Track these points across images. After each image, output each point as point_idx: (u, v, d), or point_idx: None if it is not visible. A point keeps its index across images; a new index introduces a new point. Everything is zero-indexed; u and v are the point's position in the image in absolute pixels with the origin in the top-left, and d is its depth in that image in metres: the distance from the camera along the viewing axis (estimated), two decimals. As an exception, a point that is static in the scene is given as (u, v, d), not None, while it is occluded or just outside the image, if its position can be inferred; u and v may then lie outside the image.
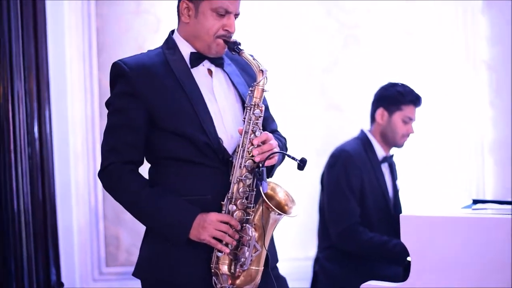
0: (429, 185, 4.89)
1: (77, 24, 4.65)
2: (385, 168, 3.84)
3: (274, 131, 2.69)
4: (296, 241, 4.78)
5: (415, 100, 3.80)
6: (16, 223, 3.71)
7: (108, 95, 4.54)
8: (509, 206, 2.81)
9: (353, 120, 4.78)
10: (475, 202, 3.01)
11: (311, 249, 4.64)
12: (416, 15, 4.86)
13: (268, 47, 4.76)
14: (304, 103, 4.86)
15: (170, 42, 2.59)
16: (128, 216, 4.65)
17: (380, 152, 3.82)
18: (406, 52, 4.89)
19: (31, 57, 4.04)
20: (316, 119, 4.88)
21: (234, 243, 2.39)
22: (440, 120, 4.89)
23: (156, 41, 4.61)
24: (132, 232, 4.71)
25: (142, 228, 4.64)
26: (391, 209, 3.78)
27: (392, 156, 3.87)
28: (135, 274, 2.58)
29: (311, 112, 4.88)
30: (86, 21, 4.68)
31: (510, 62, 4.75)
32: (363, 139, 3.84)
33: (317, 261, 3.87)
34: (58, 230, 4.29)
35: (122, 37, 4.71)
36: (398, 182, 3.89)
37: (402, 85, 3.84)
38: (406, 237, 2.62)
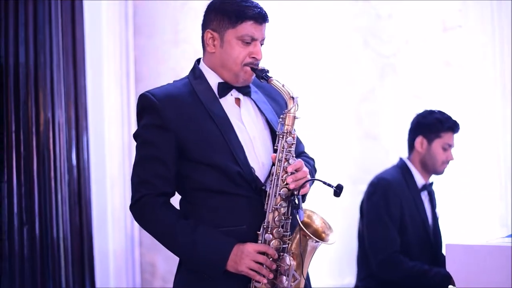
0: (466, 213, 4.85)
1: (115, 54, 4.72)
2: (424, 196, 3.83)
3: (302, 153, 2.66)
4: (331, 269, 4.76)
5: (454, 126, 3.82)
6: (56, 250, 3.77)
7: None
8: None
9: (388, 149, 4.77)
10: None
11: (346, 277, 4.63)
12: (454, 45, 4.85)
13: (306, 76, 4.78)
14: (341, 132, 4.87)
15: (196, 72, 2.57)
16: (164, 243, 4.71)
17: (419, 180, 3.82)
18: (443, 82, 4.87)
19: (70, 86, 4.12)
20: (352, 148, 4.88)
21: (271, 275, 2.36)
22: (477, 148, 4.85)
23: (193, 71, 4.69)
24: (168, 259, 4.72)
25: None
26: (431, 238, 3.77)
27: (431, 184, 3.87)
28: None
29: (347, 140, 4.88)
30: (124, 50, 4.75)
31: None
32: (402, 167, 3.84)
33: (357, 290, 3.87)
34: (94, 257, 4.33)
35: (159, 67, 4.78)
36: (437, 210, 3.88)
37: (440, 112, 3.86)
38: (451, 265, 2.63)
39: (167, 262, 4.75)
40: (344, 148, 4.87)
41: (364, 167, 4.71)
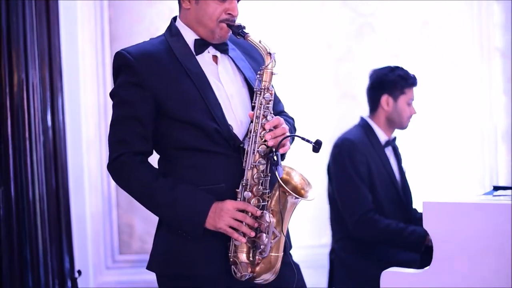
0: (441, 172, 4.90)
1: (89, 13, 4.68)
2: (389, 152, 3.84)
3: (281, 112, 2.64)
4: (308, 229, 4.79)
5: (415, 81, 3.83)
6: (32, 211, 3.73)
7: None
8: None
9: (367, 109, 4.77)
10: (496, 188, 3.00)
11: (324, 237, 4.66)
12: (431, 4, 4.85)
13: (281, 36, 4.76)
14: (318, 92, 4.86)
15: (173, 29, 2.53)
16: (141, 204, 4.70)
17: (382, 136, 3.83)
18: (420, 40, 4.89)
19: (44, 46, 4.05)
20: (330, 108, 4.88)
21: (253, 233, 2.35)
22: (454, 107, 4.89)
23: (168, 30, 4.65)
24: (145, 220, 4.72)
25: (155, 215, 4.70)
26: (400, 193, 3.79)
27: (394, 139, 3.88)
28: (150, 267, 2.53)
29: (325, 101, 4.88)
30: (98, 10, 4.70)
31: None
32: (364, 126, 3.85)
33: (333, 251, 3.87)
34: (71, 219, 4.31)
35: (134, 27, 4.73)
36: (403, 165, 3.90)
37: (399, 68, 3.86)
38: (429, 223, 2.60)
39: (144, 223, 4.74)
40: (322, 109, 4.86)
41: (342, 127, 4.71)
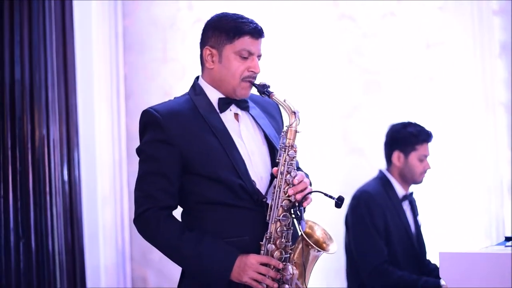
0: (449, 222, 4.97)
1: (105, 71, 4.82)
2: (406, 205, 3.94)
3: (297, 168, 2.69)
4: (319, 279, 4.84)
5: (427, 137, 3.93)
6: (51, 264, 3.82)
7: (135, 140, 4.70)
8: None
9: (375, 163, 4.87)
10: (508, 239, 3.07)
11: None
12: (437, 61, 4.98)
13: (289, 93, 4.86)
14: (326, 148, 4.97)
15: (197, 89, 2.64)
16: (155, 256, 4.77)
17: (400, 190, 3.93)
18: (427, 96, 5.00)
19: (62, 104, 4.19)
20: (338, 163, 4.98)
21: (275, 285, 2.43)
22: (461, 161, 4.97)
23: (182, 88, 4.73)
24: (159, 273, 4.79)
25: (168, 268, 4.78)
26: (415, 245, 3.87)
27: (411, 193, 3.98)
28: None
29: (333, 156, 4.98)
30: (114, 68, 4.84)
31: (527, 105, 4.88)
32: (382, 179, 3.95)
33: (349, 301, 3.95)
34: (85, 271, 4.38)
35: (149, 84, 4.87)
36: (419, 218, 3.99)
37: (413, 124, 3.97)
38: (445, 272, 2.67)
39: (158, 276, 4.81)
40: (330, 164, 4.97)
41: (350, 182, 4.81)
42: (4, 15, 3.71)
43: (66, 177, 4.18)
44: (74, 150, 4.31)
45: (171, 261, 4.63)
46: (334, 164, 4.98)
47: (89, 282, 4.44)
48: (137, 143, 4.64)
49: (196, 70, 4.62)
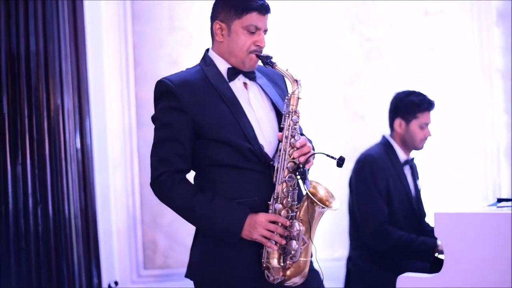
0: (448, 186, 5.15)
1: (114, 40, 4.94)
2: (407, 170, 4.10)
3: (301, 134, 2.83)
4: (323, 243, 5.02)
5: (429, 106, 4.05)
6: (67, 228, 4.00)
7: (144, 106, 4.85)
8: None
9: (375, 128, 5.04)
10: (499, 200, 3.21)
11: (337, 250, 4.91)
12: (436, 29, 5.12)
13: (294, 61, 5.02)
14: (329, 113, 5.13)
15: (207, 60, 2.80)
16: (164, 220, 4.96)
17: (401, 155, 4.08)
18: (426, 63, 5.14)
19: (74, 73, 4.32)
20: (340, 129, 5.15)
21: (284, 241, 2.60)
22: (459, 126, 5.13)
23: (188, 56, 4.92)
24: (168, 236, 4.97)
25: (178, 232, 4.97)
26: (414, 208, 4.05)
27: (413, 159, 4.13)
28: (188, 275, 2.77)
29: (335, 122, 5.14)
30: (123, 37, 4.97)
31: (523, 71, 5.02)
32: (385, 144, 4.10)
33: (350, 259, 4.14)
34: (98, 235, 4.55)
35: (157, 53, 5.00)
36: (419, 183, 4.16)
37: (416, 93, 4.08)
38: (440, 232, 2.83)
39: (167, 240, 4.99)
40: (333, 129, 5.13)
41: (352, 146, 4.98)
42: (18, -12, 3.85)
43: (78, 145, 4.32)
44: (86, 118, 4.43)
45: (180, 225, 4.86)
46: (337, 130, 5.15)
47: (101, 245, 4.60)
48: (146, 110, 4.88)
49: (202, 38, 4.81)
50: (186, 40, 5.00)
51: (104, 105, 4.85)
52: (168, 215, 4.96)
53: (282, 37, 5.00)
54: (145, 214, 4.99)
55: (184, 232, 4.97)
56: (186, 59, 4.96)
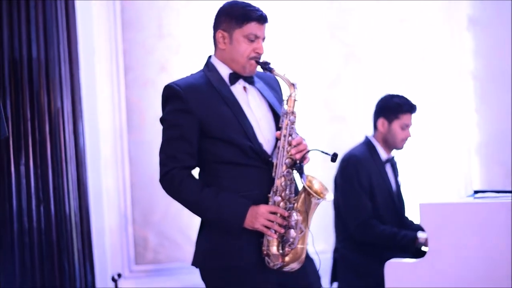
0: (423, 181, 5.43)
1: (105, 47, 5.10)
2: (388, 167, 4.36)
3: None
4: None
5: (411, 109, 4.32)
6: (68, 224, 4.21)
7: (135, 110, 5.06)
8: (506, 195, 3.26)
9: (355, 130, 5.30)
10: (476, 192, 3.44)
11: (320, 244, 5.15)
12: (410, 35, 5.41)
13: (278, 66, 5.24)
14: (311, 115, 5.38)
15: (210, 66, 3.04)
16: (154, 218, 5.18)
17: (383, 154, 4.35)
18: (401, 67, 5.42)
19: (68, 78, 4.52)
20: (321, 130, 5.41)
21: (282, 230, 2.84)
22: (433, 125, 5.40)
23: (176, 62, 5.14)
24: (158, 233, 5.17)
25: (167, 229, 5.18)
26: (395, 202, 4.32)
27: (393, 157, 4.41)
28: (195, 263, 2.98)
29: (316, 123, 5.40)
30: (113, 44, 5.13)
31: (492, 73, 5.29)
32: (368, 144, 4.37)
33: (337, 250, 4.39)
34: (91, 233, 4.74)
35: (146, 59, 5.19)
36: (399, 179, 4.44)
37: (399, 96, 4.35)
38: (424, 221, 3.06)
39: (157, 236, 5.18)
40: (314, 130, 5.38)
41: (333, 147, 5.20)
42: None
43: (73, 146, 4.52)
44: (79, 120, 4.61)
45: (169, 222, 5.06)
46: (318, 131, 5.39)
47: (95, 242, 4.77)
48: (136, 113, 5.09)
49: (190, 45, 5.02)
50: (174, 46, 5.20)
51: (96, 109, 5.00)
52: (158, 213, 5.18)
53: (268, 44, 5.22)
54: (136, 212, 5.18)
55: (173, 229, 5.20)
56: (175, 64, 5.17)
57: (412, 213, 4.37)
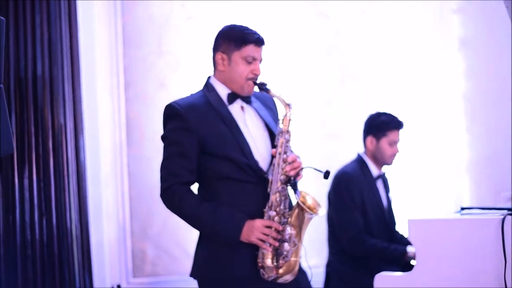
0: (415, 197, 5.54)
1: (106, 64, 5.20)
2: (379, 183, 4.50)
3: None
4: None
5: (398, 125, 4.46)
6: (69, 237, 4.32)
7: (135, 125, 5.16)
8: (492, 211, 3.34)
9: (350, 147, 5.41)
10: (463, 208, 3.58)
11: (312, 258, 5.25)
12: (403, 56, 5.55)
13: (276, 85, 5.36)
14: (307, 133, 5.50)
15: (209, 86, 3.18)
16: (153, 231, 5.29)
17: (374, 171, 4.49)
18: (395, 87, 5.55)
19: (70, 95, 4.64)
20: (317, 147, 5.52)
21: (277, 243, 2.97)
22: (425, 143, 5.52)
23: (176, 78, 5.27)
24: (156, 246, 5.27)
25: (165, 242, 5.30)
26: (386, 217, 4.46)
27: (384, 173, 4.54)
28: (193, 275, 3.12)
29: (312, 141, 5.52)
30: (114, 61, 5.24)
31: (482, 93, 5.41)
32: (359, 161, 4.50)
33: (329, 264, 4.52)
34: (90, 245, 4.85)
35: (146, 75, 5.31)
36: (390, 195, 4.57)
37: (386, 114, 4.49)
38: (412, 236, 3.17)
39: (155, 249, 5.28)
40: (310, 147, 5.50)
41: (328, 164, 5.31)
42: (27, 16, 4.17)
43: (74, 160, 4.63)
44: (80, 135, 4.72)
45: (167, 235, 5.16)
46: (313, 148, 5.51)
47: (94, 254, 4.86)
48: (136, 128, 5.20)
49: (189, 62, 5.15)
50: (174, 63, 5.31)
51: (97, 124, 5.08)
52: (156, 226, 5.29)
53: (266, 63, 5.36)
54: (134, 225, 5.27)
55: (171, 242, 5.30)
56: (174, 81, 5.29)
57: (403, 228, 4.49)
